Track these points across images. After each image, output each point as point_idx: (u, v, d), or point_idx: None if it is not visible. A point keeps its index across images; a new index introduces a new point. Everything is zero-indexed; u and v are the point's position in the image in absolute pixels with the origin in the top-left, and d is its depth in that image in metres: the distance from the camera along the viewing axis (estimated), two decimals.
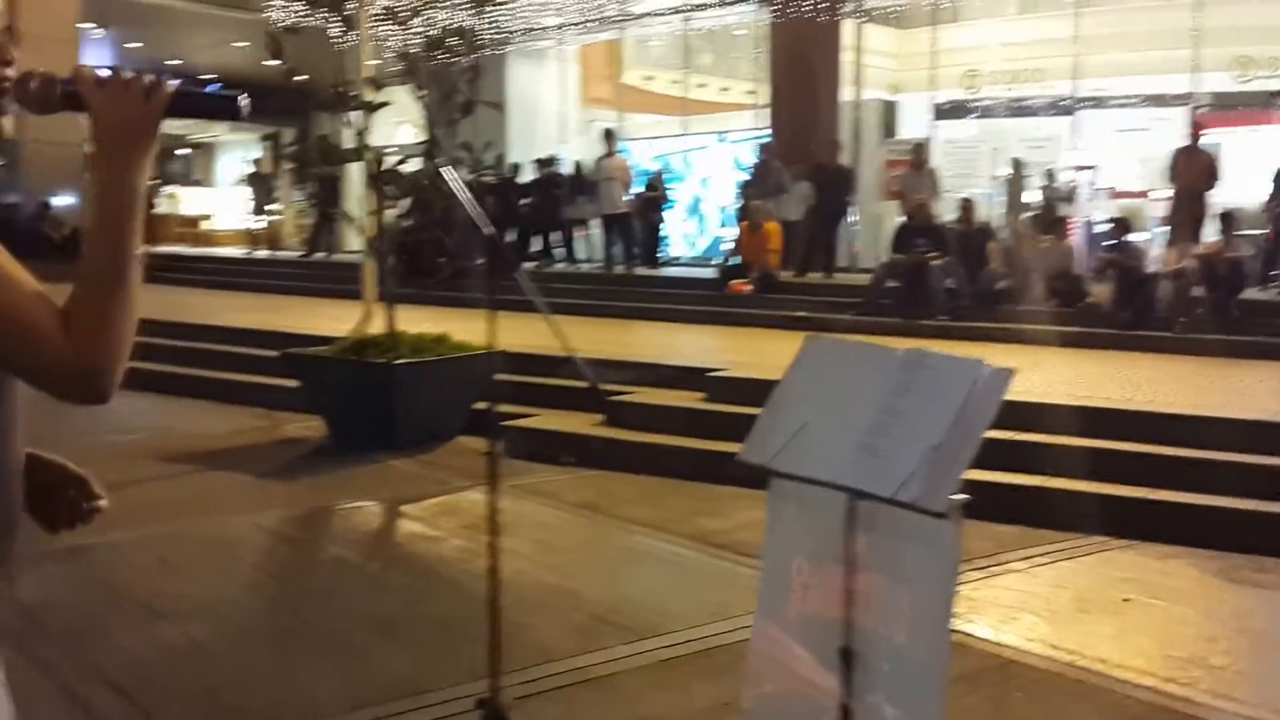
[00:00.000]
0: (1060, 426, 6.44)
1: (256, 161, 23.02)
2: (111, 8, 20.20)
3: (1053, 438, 6.36)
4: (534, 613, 4.51)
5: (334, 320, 10.68)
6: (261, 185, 22.21)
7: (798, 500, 2.32)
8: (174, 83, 1.39)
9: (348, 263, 16.00)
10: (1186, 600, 4.91)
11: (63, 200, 20.02)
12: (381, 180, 7.84)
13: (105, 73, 1.36)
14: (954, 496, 2.03)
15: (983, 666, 4.04)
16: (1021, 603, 4.82)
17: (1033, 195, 14.10)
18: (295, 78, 7.42)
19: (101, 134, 1.33)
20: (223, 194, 28.69)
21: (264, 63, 21.09)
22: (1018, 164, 14.63)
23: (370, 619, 4.54)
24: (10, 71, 1.36)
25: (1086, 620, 4.64)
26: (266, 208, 22.82)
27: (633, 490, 6.80)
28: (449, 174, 3.64)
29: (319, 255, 19.48)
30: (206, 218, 27.42)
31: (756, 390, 7.32)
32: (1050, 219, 11.98)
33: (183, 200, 28.41)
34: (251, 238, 21.89)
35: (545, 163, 16.71)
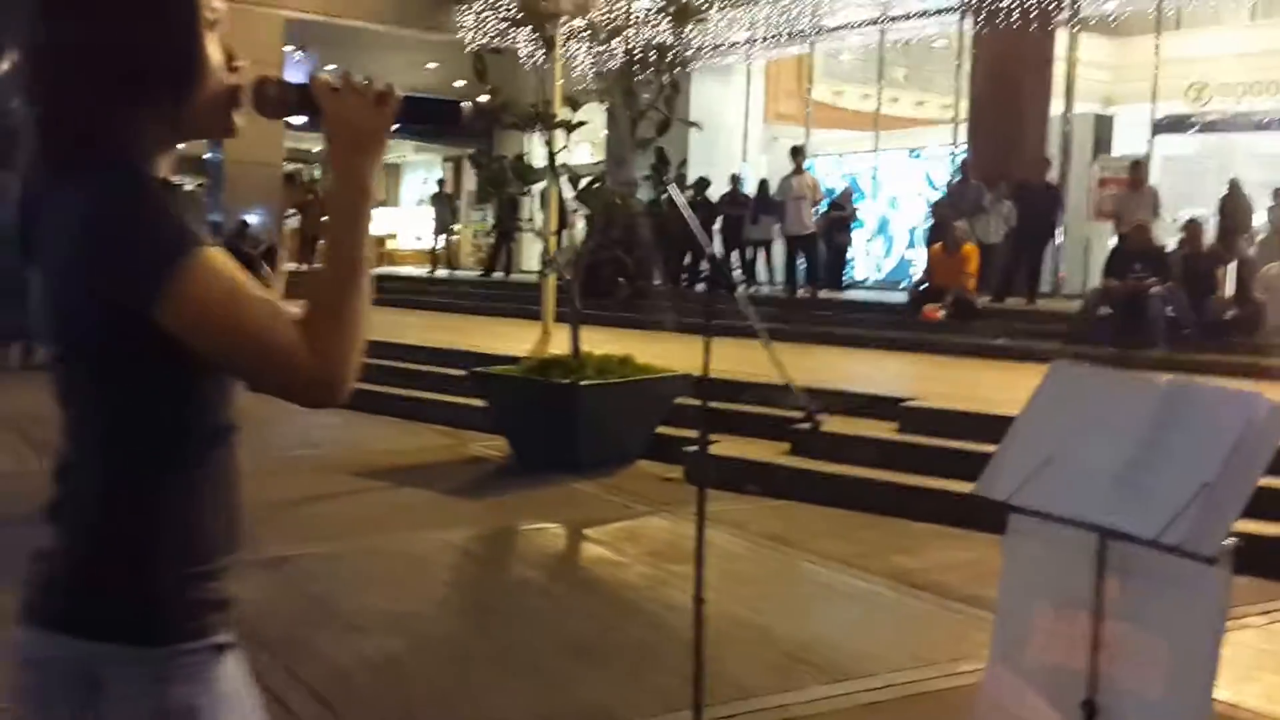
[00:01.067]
0: None
1: (440, 182, 23.85)
2: (311, 31, 21.30)
3: None
4: (725, 647, 4.48)
5: (515, 340, 10.96)
6: (445, 205, 22.99)
7: (1041, 539, 2.24)
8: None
9: (526, 283, 16.43)
10: None
11: (260, 218, 21.19)
12: (575, 200, 8.00)
13: (338, 80, 1.43)
14: (1225, 541, 1.92)
15: None
16: (1260, 661, 4.55)
17: (1261, 217, 13.32)
18: (493, 99, 7.65)
19: (336, 139, 1.42)
20: (406, 214, 29.78)
21: (454, 83, 21.84)
22: (1234, 184, 13.82)
23: (560, 643, 4.60)
24: (238, 77, 1.45)
25: None
26: (450, 227, 23.61)
27: (822, 523, 6.71)
28: (676, 195, 3.69)
29: (498, 275, 20.04)
30: (391, 237, 28.51)
31: (955, 422, 7.29)
32: None
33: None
34: (432, 257, 22.66)
35: (729, 182, 16.78)
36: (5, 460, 8.08)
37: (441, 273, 21.99)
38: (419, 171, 28.94)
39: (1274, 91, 15.25)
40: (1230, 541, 1.94)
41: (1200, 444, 1.97)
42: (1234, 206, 13.55)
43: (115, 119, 1.33)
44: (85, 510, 1.36)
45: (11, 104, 1.36)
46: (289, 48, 21.80)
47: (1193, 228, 11.67)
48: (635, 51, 7.61)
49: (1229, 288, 11.00)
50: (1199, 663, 2.06)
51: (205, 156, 24.50)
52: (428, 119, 1.58)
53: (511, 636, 4.72)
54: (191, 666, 1.34)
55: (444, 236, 23.02)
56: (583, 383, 7.82)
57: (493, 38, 18.48)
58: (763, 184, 16.25)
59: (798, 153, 15.26)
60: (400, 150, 29.79)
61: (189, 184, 31.66)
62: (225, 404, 1.42)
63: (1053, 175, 14.31)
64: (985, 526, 5.82)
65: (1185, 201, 13.92)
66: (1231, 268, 11.79)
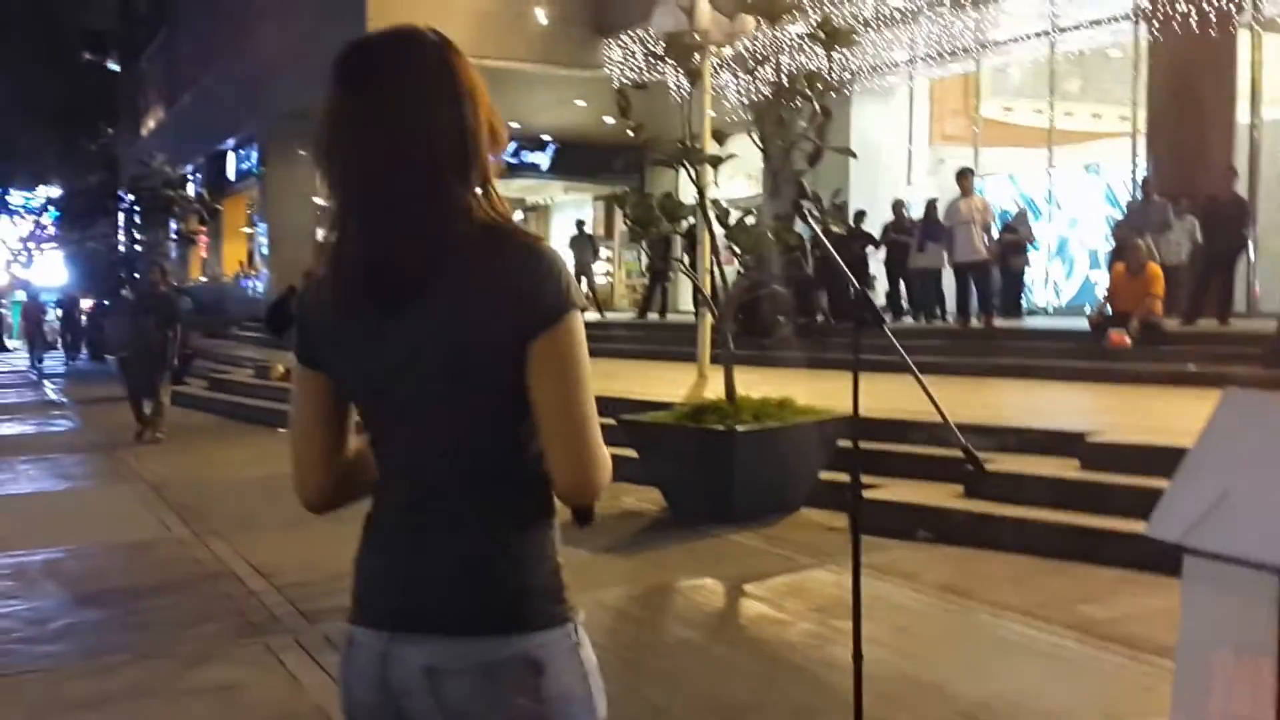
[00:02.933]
0: None
1: (579, 223, 24.33)
2: None
3: None
4: (896, 708, 4.44)
5: (670, 384, 11.06)
6: (585, 246, 23.42)
7: (1219, 582, 2.17)
8: None
9: (681, 324, 16.57)
10: None
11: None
12: (726, 236, 8.07)
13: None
14: None
15: None
16: None
17: None
18: (639, 135, 7.80)
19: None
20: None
21: (603, 119, 22.26)
22: None
23: (717, 705, 4.62)
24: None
25: None
26: (592, 268, 23.99)
27: (999, 570, 6.57)
28: (813, 227, 3.72)
29: (652, 316, 20.26)
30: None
31: (1143, 458, 7.06)
32: None
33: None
34: (586, 300, 23.10)
35: (893, 208, 16.65)
36: (149, 527, 8.56)
37: (592, 315, 22.35)
38: (568, 211, 29.50)
39: None
40: None
41: None
42: None
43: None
44: (498, 522, 1.68)
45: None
46: None
47: None
48: (785, 79, 7.66)
49: None
50: None
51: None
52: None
53: (668, 699, 4.75)
54: (582, 634, 1.72)
55: (584, 279, 23.38)
56: (738, 428, 7.83)
57: (640, 72, 18.84)
58: (929, 208, 16.04)
59: (966, 175, 15.00)
60: (549, 191, 30.40)
61: None
62: None
63: (1240, 186, 13.77)
64: (1177, 572, 5.61)
65: None
66: None
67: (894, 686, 4.67)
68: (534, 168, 26.93)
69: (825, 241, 3.58)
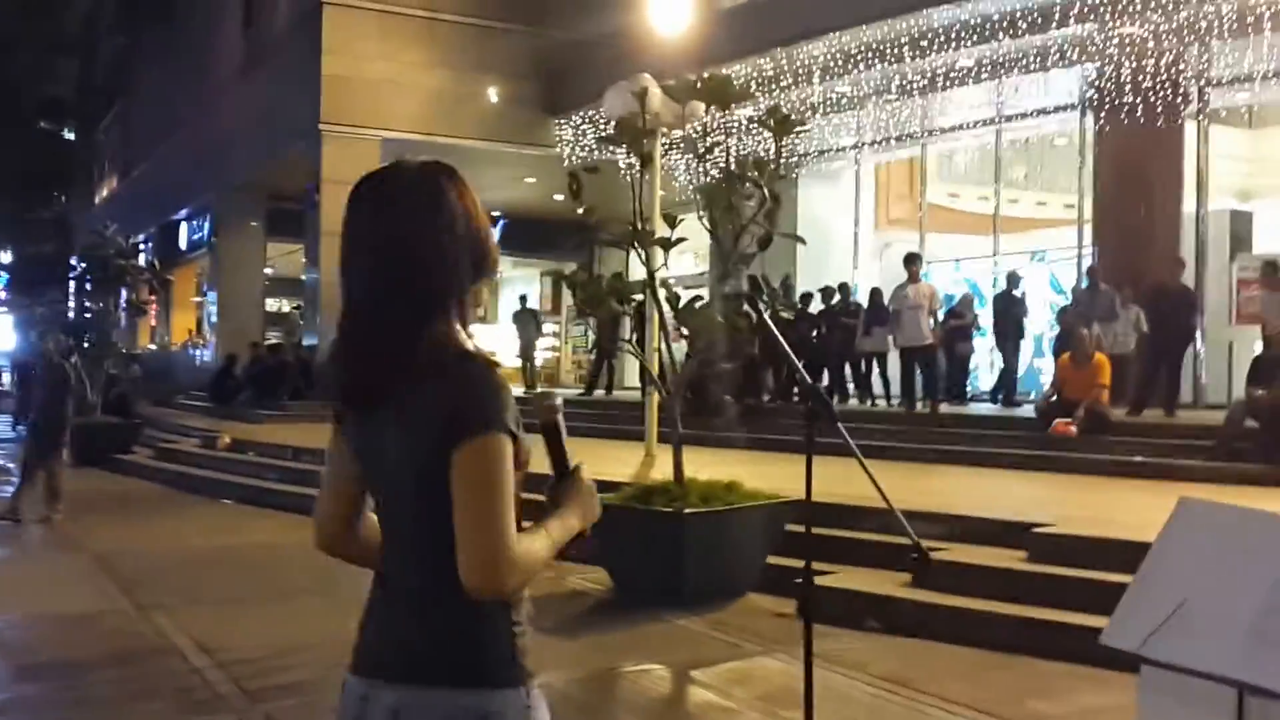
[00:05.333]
0: None
1: (523, 298, 24.38)
2: (408, 150, 22.18)
3: None
4: None
5: (617, 463, 11.01)
6: (528, 322, 23.44)
7: (1175, 693, 2.19)
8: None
9: (628, 401, 16.58)
10: None
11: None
12: (675, 317, 8.13)
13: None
14: None
15: None
16: None
17: None
18: (591, 216, 7.87)
19: (574, 511, 2.05)
20: (505, 331, 30.43)
21: (552, 196, 22.46)
22: None
23: None
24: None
25: None
26: (535, 344, 24.01)
27: (947, 663, 6.56)
28: (762, 315, 3.75)
29: (599, 393, 20.25)
30: (491, 354, 29.06)
31: (1090, 550, 7.11)
32: None
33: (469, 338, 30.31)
34: (526, 377, 23.01)
35: (837, 291, 16.83)
36: (90, 599, 8.35)
37: (538, 391, 22.28)
38: (516, 286, 29.54)
39: None
40: None
41: None
42: None
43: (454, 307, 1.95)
44: (456, 598, 1.86)
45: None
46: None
47: None
48: (735, 164, 7.77)
49: None
50: None
51: (303, 277, 25.50)
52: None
53: None
54: (536, 698, 1.97)
55: (528, 356, 23.36)
56: (687, 511, 7.81)
57: (591, 151, 19.04)
58: (874, 293, 16.25)
59: (912, 260, 15.20)
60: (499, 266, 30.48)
61: (286, 306, 32.96)
62: None
63: (1187, 276, 14.06)
64: (1128, 667, 5.63)
65: None
66: None
67: None
68: None
69: (772, 328, 3.60)
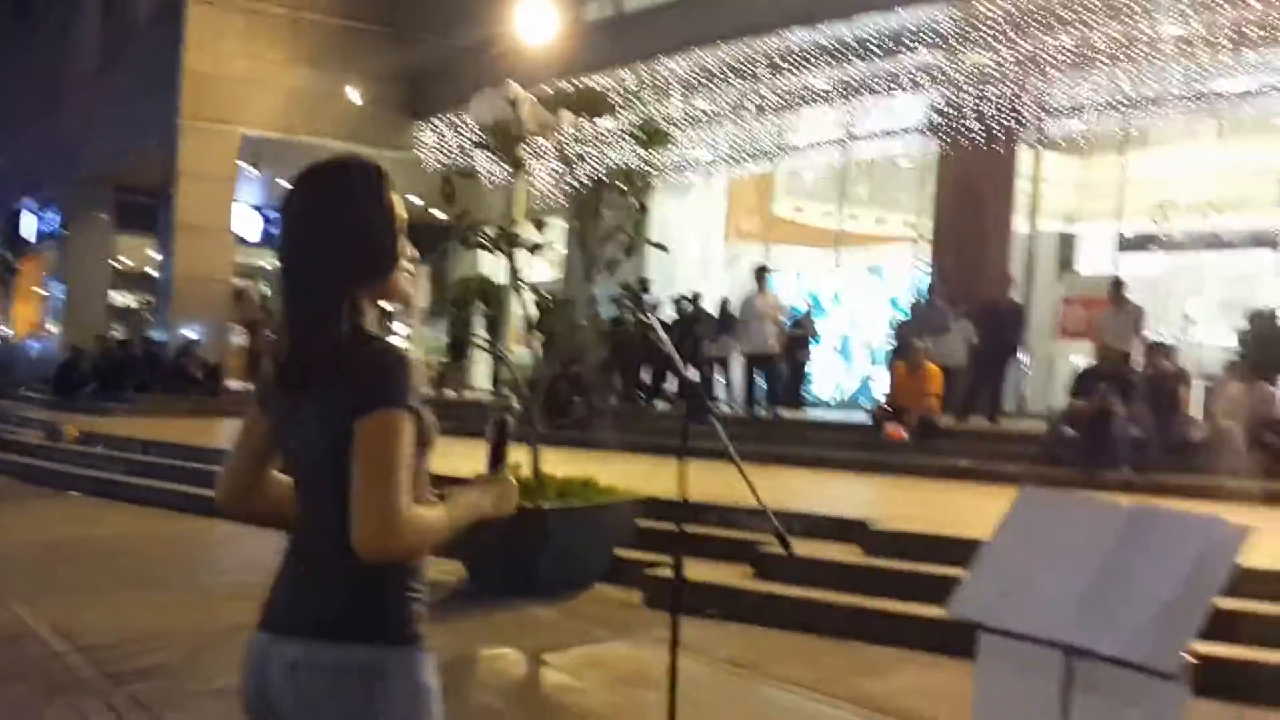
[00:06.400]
0: (1266, 593, 6.19)
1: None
2: (265, 149, 21.72)
3: (1257, 605, 6.11)
4: None
5: (469, 461, 10.95)
6: (381, 321, 23.10)
7: (1011, 659, 2.34)
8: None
9: (478, 401, 16.49)
10: None
11: (206, 335, 21.22)
12: (539, 321, 8.16)
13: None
14: (1183, 658, 2.03)
15: None
16: None
17: (1231, 337, 13.54)
18: (463, 221, 7.86)
19: (491, 506, 2.21)
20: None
21: (409, 198, 22.28)
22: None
23: None
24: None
25: None
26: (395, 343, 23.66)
27: (785, 647, 6.75)
28: (654, 322, 3.84)
29: (449, 393, 20.09)
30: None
31: (918, 545, 7.39)
32: (1252, 363, 11.63)
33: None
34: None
35: (688, 300, 17.06)
36: None
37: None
38: None
39: (1240, 210, 15.53)
40: (1188, 659, 2.05)
41: (1161, 565, 2.09)
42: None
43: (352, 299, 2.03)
44: (351, 559, 1.94)
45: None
46: (244, 164, 22.17)
47: (1156, 347, 11.99)
48: (601, 174, 7.84)
49: (1197, 409, 11.29)
50: None
51: (152, 273, 24.67)
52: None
53: None
54: (424, 659, 2.07)
55: None
56: (544, 506, 7.87)
57: (453, 156, 18.90)
58: (724, 302, 16.52)
59: (762, 272, 15.49)
60: None
61: (134, 301, 31.78)
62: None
63: (1017, 293, 14.63)
64: (951, 651, 5.88)
65: (1151, 321, 14.20)
66: (1198, 389, 12.10)
67: None
68: None
69: (660, 332, 3.71)
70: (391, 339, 2.06)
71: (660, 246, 9.17)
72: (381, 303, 2.12)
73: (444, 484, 2.15)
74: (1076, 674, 2.19)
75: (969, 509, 8.18)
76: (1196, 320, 15.30)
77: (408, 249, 2.14)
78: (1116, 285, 13.32)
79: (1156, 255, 16.40)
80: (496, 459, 2.21)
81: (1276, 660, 5.86)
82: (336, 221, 2.05)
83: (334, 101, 21.57)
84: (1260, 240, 15.32)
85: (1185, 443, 10.81)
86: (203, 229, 21.13)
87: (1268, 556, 6.58)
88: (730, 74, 16.65)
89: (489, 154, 8.58)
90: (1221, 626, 5.69)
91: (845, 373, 19.25)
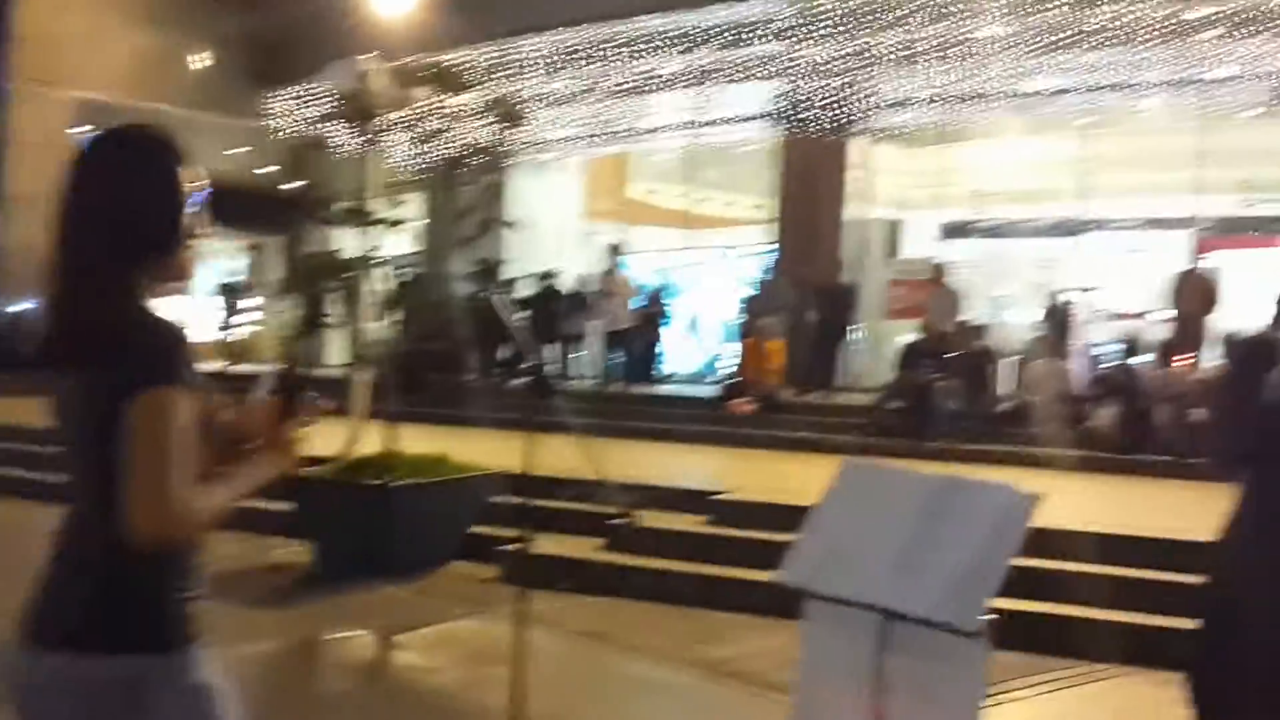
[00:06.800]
0: (1062, 552, 6.57)
1: (228, 272, 23.42)
2: (102, 115, 20.77)
3: (1053, 563, 6.47)
4: None
5: (320, 438, 10.79)
6: (230, 295, 22.53)
7: (833, 623, 2.48)
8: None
9: (331, 377, 16.21)
10: None
11: (34, 307, 20.28)
12: (392, 296, 8.08)
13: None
14: (984, 617, 2.20)
15: None
16: None
17: (1037, 317, 14.35)
18: (311, 193, 7.73)
19: (269, 459, 2.08)
20: (202, 304, 28.99)
21: (259, 169, 21.53)
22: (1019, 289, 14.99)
23: None
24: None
25: None
26: (238, 319, 23.10)
27: (637, 617, 6.86)
28: (498, 300, 3.88)
29: (303, 369, 19.70)
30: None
31: (763, 514, 7.60)
32: (1053, 342, 12.33)
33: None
34: (228, 351, 22.10)
35: (544, 277, 17.07)
36: None
37: (241, 367, 21.43)
38: (220, 259, 28.20)
39: (1047, 200, 16.51)
40: (989, 617, 2.22)
41: (963, 530, 2.25)
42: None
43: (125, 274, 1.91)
44: (118, 557, 1.85)
45: None
46: (78, 130, 21.20)
47: (970, 327, 12.66)
48: (457, 151, 7.81)
49: (1007, 384, 11.93)
50: None
51: None
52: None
53: None
54: (197, 662, 1.93)
55: (233, 329, 22.47)
56: (396, 483, 7.79)
57: (304, 126, 18.46)
58: (580, 280, 16.61)
59: (614, 250, 15.67)
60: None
61: None
62: None
63: (849, 276, 15.12)
64: (793, 614, 6.08)
65: (968, 303, 14.86)
66: (1008, 364, 12.80)
67: None
68: None
69: (505, 310, 3.75)
70: (168, 317, 1.96)
71: (515, 225, 9.16)
72: (167, 282, 2.02)
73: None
74: (890, 635, 2.35)
75: (808, 478, 8.38)
76: (1007, 302, 16.16)
77: (200, 225, 2.02)
78: (938, 269, 14.10)
79: (973, 241, 17.22)
80: (280, 417, 2.08)
81: (1073, 613, 6.24)
82: (111, 196, 1.94)
83: (179, 67, 20.77)
84: (1062, 229, 16.22)
85: (996, 414, 11.43)
86: (36, 199, 20.10)
87: (1065, 518, 7.04)
88: (586, 56, 16.69)
89: (342, 126, 8.45)
90: (1022, 583, 6.09)
91: (695, 349, 19.53)
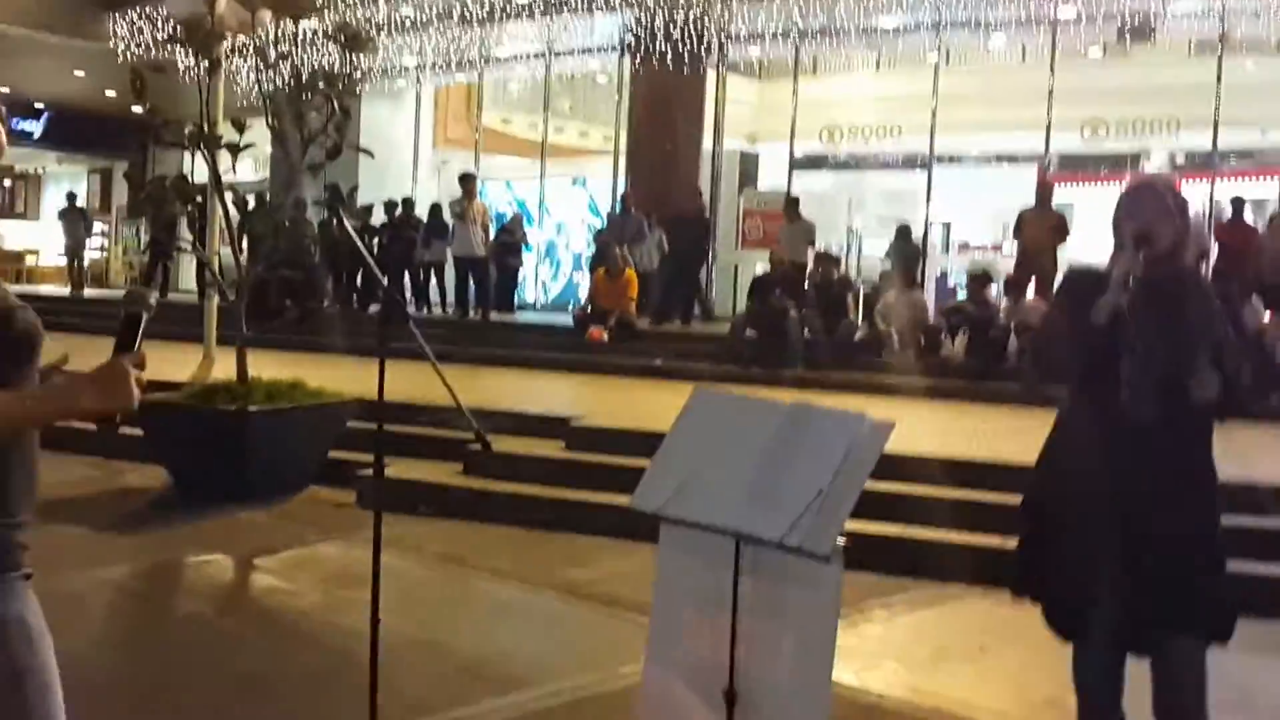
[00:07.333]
0: (916, 477, 6.77)
1: (71, 196, 22.24)
2: None
3: (908, 487, 6.68)
4: (400, 668, 4.52)
5: (174, 365, 10.42)
6: (76, 221, 21.43)
7: (687, 547, 2.47)
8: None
9: (184, 304, 15.64)
10: (1040, 646, 5.14)
11: None
12: (241, 222, 7.79)
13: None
14: (837, 541, 2.21)
15: (848, 713, 4.22)
16: (882, 649, 5.07)
17: (889, 249, 14.65)
18: (154, 115, 7.35)
19: (83, 392, 1.86)
20: (48, 228, 27.60)
21: (104, 91, 20.38)
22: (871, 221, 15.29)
23: (231, 676, 4.50)
24: None
25: (946, 666, 4.90)
26: (84, 243, 22.04)
27: (495, 541, 6.84)
28: (348, 226, 3.74)
29: (153, 296, 18.93)
30: (32, 253, 26.32)
31: (618, 440, 7.63)
32: (905, 273, 12.60)
33: (5, 235, 27.29)
34: (73, 276, 21.07)
35: (398, 205, 16.67)
36: None
37: (89, 293, 20.48)
38: (63, 183, 26.78)
39: (897, 134, 16.76)
40: (841, 541, 2.24)
41: (817, 457, 2.26)
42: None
43: None
44: None
45: None
46: None
47: (824, 257, 12.82)
48: (304, 75, 7.51)
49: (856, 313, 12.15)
50: (819, 650, 2.35)
51: None
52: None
53: (178, 675, 4.56)
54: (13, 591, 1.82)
55: (75, 255, 21.40)
56: (251, 409, 7.60)
57: (149, 50, 17.56)
58: (434, 208, 16.28)
59: (468, 179, 15.41)
60: (41, 160, 27.57)
61: None
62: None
63: (703, 206, 15.16)
64: (651, 538, 6.14)
65: (821, 235, 15.08)
66: (862, 295, 13.04)
67: (399, 648, 4.72)
68: (26, 136, 24.32)
69: (355, 236, 3.62)
70: None
71: (365, 151, 8.89)
72: None
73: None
74: (745, 558, 2.35)
75: (662, 405, 8.46)
76: (859, 233, 16.47)
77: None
78: (791, 201, 14.26)
79: (825, 174, 17.42)
80: (121, 347, 1.92)
81: (924, 536, 6.44)
82: None
83: None
84: (912, 162, 16.50)
85: (849, 343, 11.64)
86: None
87: (917, 444, 7.25)
88: None
89: (186, 49, 8.04)
90: (875, 506, 6.26)
91: (551, 278, 19.42)
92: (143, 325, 1.94)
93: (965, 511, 6.54)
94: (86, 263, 22.61)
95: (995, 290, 11.95)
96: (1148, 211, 3.01)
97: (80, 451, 8.89)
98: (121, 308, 1.96)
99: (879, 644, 5.14)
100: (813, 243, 13.69)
